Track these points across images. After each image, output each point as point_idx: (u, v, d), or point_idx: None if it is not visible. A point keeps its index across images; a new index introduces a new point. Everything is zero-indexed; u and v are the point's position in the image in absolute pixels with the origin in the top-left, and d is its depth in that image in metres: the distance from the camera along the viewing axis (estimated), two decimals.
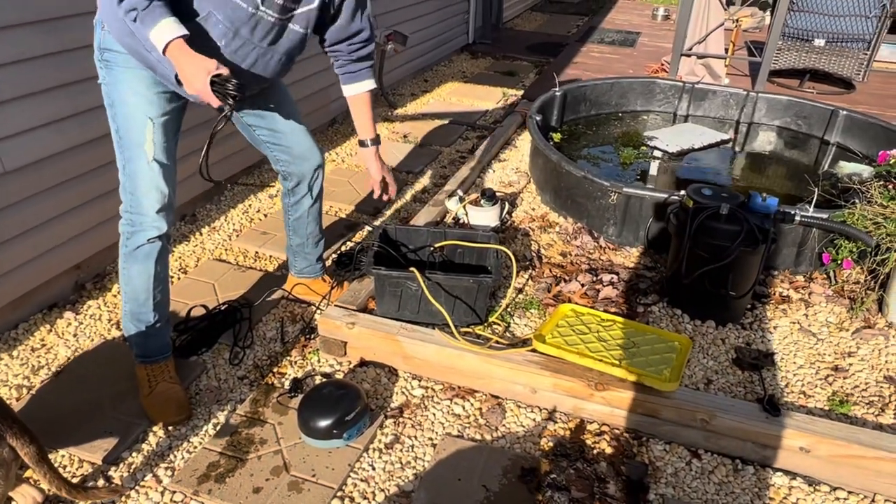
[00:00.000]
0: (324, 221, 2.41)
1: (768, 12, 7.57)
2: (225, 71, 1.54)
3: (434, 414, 1.97)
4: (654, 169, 3.44)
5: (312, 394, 1.89)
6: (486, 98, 5.15)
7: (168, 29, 1.49)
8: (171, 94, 1.75)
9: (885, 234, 2.30)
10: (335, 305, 2.22)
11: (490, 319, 2.29)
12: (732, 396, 2.01)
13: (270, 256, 2.80)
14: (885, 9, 4.85)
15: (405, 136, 4.23)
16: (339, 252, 2.84)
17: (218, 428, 1.90)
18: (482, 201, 2.84)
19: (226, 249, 2.85)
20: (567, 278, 2.55)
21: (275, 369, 2.15)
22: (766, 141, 3.94)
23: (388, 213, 3.25)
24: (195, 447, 1.84)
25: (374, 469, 1.78)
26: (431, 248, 2.40)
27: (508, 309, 2.37)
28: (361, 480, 1.74)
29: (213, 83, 1.53)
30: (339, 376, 2.12)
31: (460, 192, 3.05)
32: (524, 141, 4.01)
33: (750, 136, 4.01)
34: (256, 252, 2.83)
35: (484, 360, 1.99)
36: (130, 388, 1.99)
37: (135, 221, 1.79)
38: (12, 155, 2.14)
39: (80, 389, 2.01)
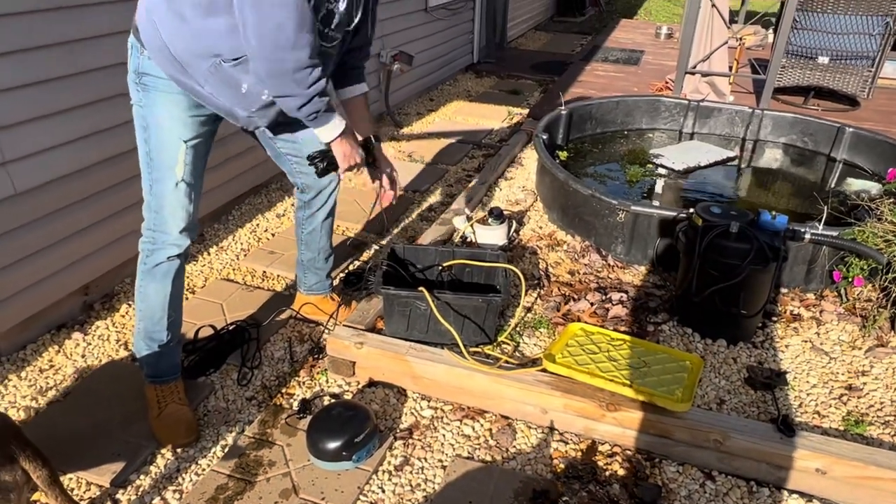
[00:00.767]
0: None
1: (771, 30, 7.62)
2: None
3: (444, 435, 1.95)
4: (660, 187, 3.44)
5: (321, 415, 1.87)
6: (492, 117, 5.18)
7: (339, 124, 1.73)
8: (206, 117, 1.76)
9: None
10: (343, 325, 2.21)
11: (499, 339, 2.28)
12: (746, 416, 1.98)
13: (278, 276, 2.80)
14: (889, 27, 4.87)
15: (411, 155, 4.25)
16: (346, 271, 2.84)
17: (226, 450, 1.88)
18: (490, 220, 2.84)
19: (234, 269, 2.85)
20: (576, 297, 2.54)
21: (283, 390, 2.14)
22: (772, 158, 3.94)
23: (395, 231, 3.25)
24: (203, 469, 1.82)
25: (383, 492, 1.76)
26: (440, 268, 2.40)
27: (517, 328, 2.36)
28: (371, 503, 1.72)
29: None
30: (348, 397, 2.11)
31: (467, 211, 3.06)
32: (530, 159, 4.02)
33: (756, 153, 4.01)
34: (264, 271, 2.83)
35: (494, 380, 1.98)
36: (138, 409, 1.98)
37: (157, 239, 1.80)
38: (24, 176, 2.15)
39: (88, 411, 2.00)
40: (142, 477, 1.79)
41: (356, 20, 1.70)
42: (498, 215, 2.83)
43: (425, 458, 1.87)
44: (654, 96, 4.26)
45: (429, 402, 2.08)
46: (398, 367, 2.09)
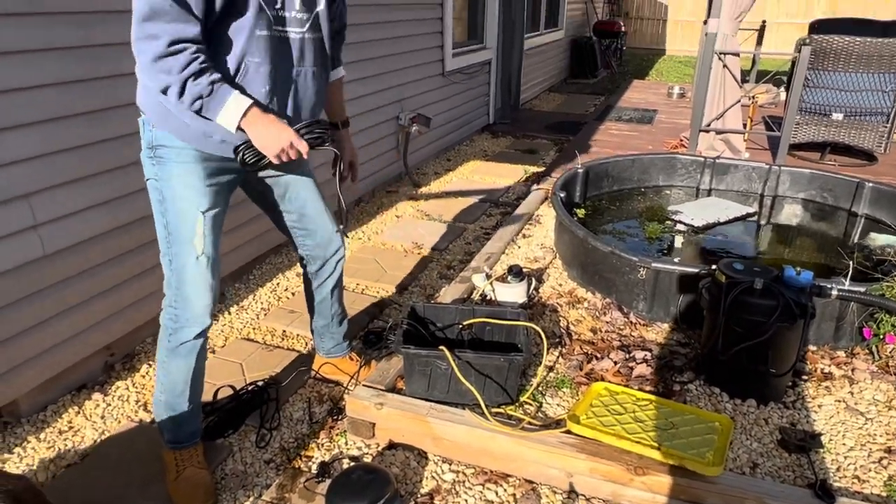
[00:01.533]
0: (350, 299, 2.42)
1: (783, 88, 7.72)
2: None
3: (466, 500, 1.89)
4: (679, 243, 3.42)
5: (340, 479, 1.83)
6: (508, 175, 5.25)
7: (236, 104, 1.54)
8: (221, 185, 1.78)
9: None
10: (363, 385, 2.19)
11: (521, 399, 2.23)
12: (781, 481, 1.90)
13: (298, 335, 2.80)
14: None
15: (429, 215, 4.30)
16: (366, 330, 2.83)
17: None
18: (509, 278, 2.84)
19: (254, 328, 2.85)
20: (598, 356, 2.50)
21: (302, 452, 2.10)
22: (792, 213, 3.92)
23: (415, 290, 3.25)
24: None
25: None
26: (460, 326, 2.38)
27: (540, 388, 2.31)
28: None
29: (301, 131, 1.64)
30: (368, 459, 2.06)
31: (486, 269, 3.06)
32: (548, 217, 4.04)
33: (775, 208, 4.00)
34: (284, 331, 2.83)
35: (517, 442, 1.93)
36: (157, 471, 1.95)
37: (180, 317, 1.79)
38: (53, 238, 2.21)
39: (107, 473, 1.98)
40: None
41: (320, 3, 1.69)
42: (517, 273, 2.83)
43: None
44: (670, 153, 4.30)
45: (450, 465, 2.03)
46: (418, 429, 2.05)
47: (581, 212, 3.67)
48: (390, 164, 4.81)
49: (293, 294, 3.17)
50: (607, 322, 2.76)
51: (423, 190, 4.85)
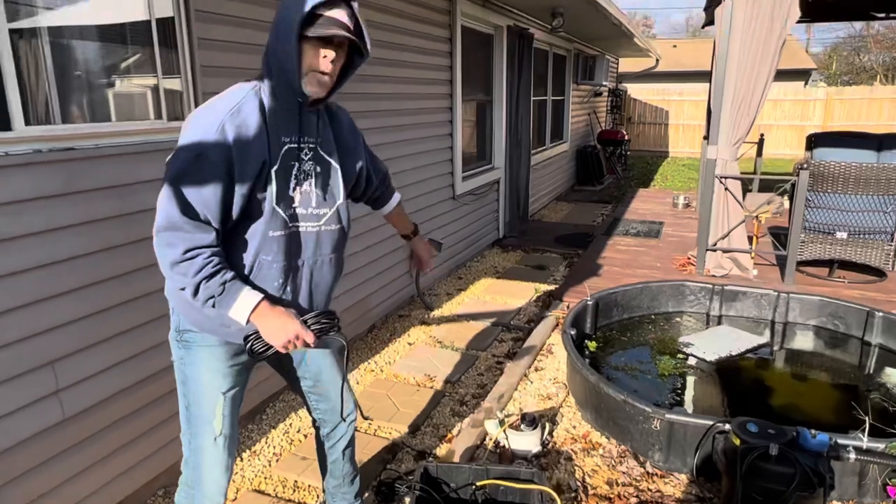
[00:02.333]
0: (362, 442, 2.41)
1: (786, 197, 7.90)
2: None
3: None
4: (692, 382, 3.41)
5: None
6: (519, 295, 5.32)
7: (246, 300, 1.61)
8: (242, 364, 1.84)
9: None
10: None
11: None
12: None
13: (310, 486, 2.76)
14: None
15: (441, 342, 4.33)
16: (378, 480, 2.79)
17: None
18: (522, 426, 2.82)
19: (265, 477, 2.83)
20: None
21: None
22: (804, 343, 3.92)
23: (427, 430, 3.23)
24: None
25: None
26: (474, 487, 2.35)
27: None
28: None
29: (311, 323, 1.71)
30: None
31: (499, 414, 3.05)
32: (560, 347, 4.06)
33: (787, 337, 4.00)
34: (296, 481, 2.80)
35: None
36: None
37: (195, 498, 1.81)
38: (73, 402, 2.25)
39: None
40: None
41: (339, 198, 1.81)
42: (531, 421, 2.82)
43: None
44: (679, 281, 4.36)
45: None
46: None
47: (592, 345, 3.69)
48: (403, 288, 4.90)
49: (305, 436, 3.15)
50: (623, 472, 2.71)
51: (436, 313, 4.91)
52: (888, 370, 3.33)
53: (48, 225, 2.13)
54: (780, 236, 6.38)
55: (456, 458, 2.80)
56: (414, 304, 5.07)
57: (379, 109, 4.29)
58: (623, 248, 6.39)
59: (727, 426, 2.33)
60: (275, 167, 1.65)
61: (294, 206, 1.72)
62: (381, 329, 4.57)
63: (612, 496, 2.57)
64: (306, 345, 1.72)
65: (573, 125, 10.68)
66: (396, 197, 2.24)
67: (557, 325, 4.28)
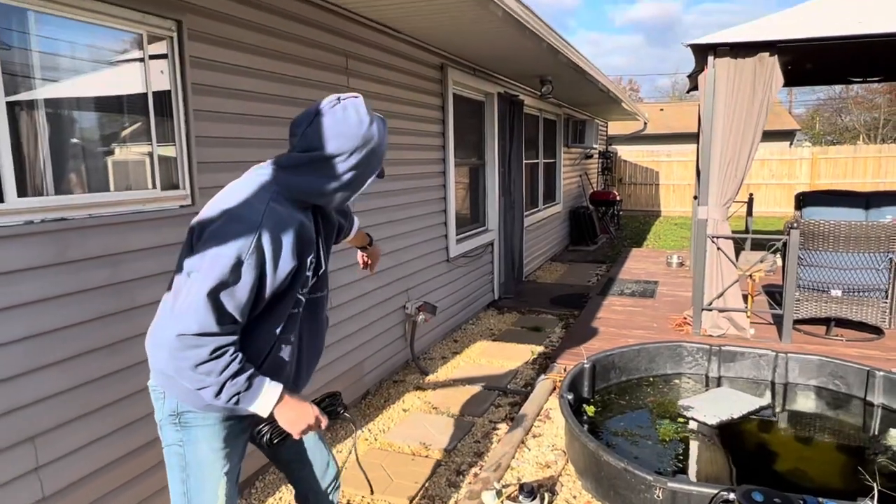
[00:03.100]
0: None
1: (778, 255, 7.95)
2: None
3: None
4: (695, 447, 3.32)
5: None
6: (515, 357, 5.25)
7: (270, 393, 1.59)
8: (242, 437, 1.79)
9: None
10: None
11: None
12: None
13: None
14: (893, 262, 5.06)
15: (437, 408, 4.24)
16: None
17: None
18: (520, 497, 2.73)
19: None
20: None
21: None
22: (806, 404, 3.85)
23: (422, 502, 3.11)
24: None
25: None
26: None
27: None
28: None
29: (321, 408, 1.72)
30: None
31: (497, 485, 2.95)
32: (557, 411, 3.97)
33: (788, 398, 3.93)
34: None
35: None
36: None
37: None
38: (54, 479, 2.17)
39: None
40: None
41: (324, 265, 1.82)
42: (529, 492, 2.73)
43: None
44: (676, 342, 4.32)
45: None
46: None
47: (591, 409, 3.62)
48: (398, 352, 4.84)
49: None
50: None
51: (431, 378, 4.83)
52: (893, 432, 3.26)
53: (38, 295, 2.11)
54: (775, 294, 6.38)
55: None
56: (409, 368, 4.99)
57: None
58: (619, 308, 6.36)
59: (732, 495, 2.25)
60: (311, 266, 1.69)
61: (304, 290, 1.74)
62: (375, 395, 4.48)
63: None
64: (319, 427, 1.70)
65: (565, 187, 10.85)
66: (357, 223, 2.25)
67: (555, 388, 4.21)
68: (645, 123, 13.74)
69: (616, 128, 16.71)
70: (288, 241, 1.57)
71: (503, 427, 3.85)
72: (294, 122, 1.63)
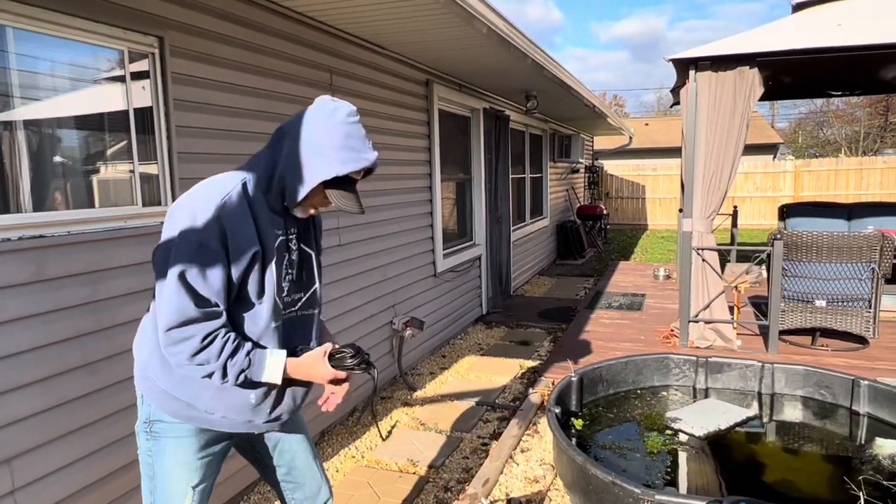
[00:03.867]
0: None
1: (763, 267, 8.02)
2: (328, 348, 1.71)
3: None
4: (683, 459, 3.31)
5: None
6: (503, 372, 5.23)
7: (275, 360, 1.63)
8: (213, 455, 1.77)
9: None
10: None
11: None
12: None
13: None
14: (875, 272, 5.12)
15: (425, 424, 4.20)
16: None
17: None
18: None
19: None
20: None
21: None
22: (792, 414, 3.86)
23: None
24: None
25: None
26: None
27: None
28: None
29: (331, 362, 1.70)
30: None
31: (485, 501, 2.92)
32: (545, 426, 3.95)
33: (775, 408, 3.94)
34: None
35: None
36: None
37: None
38: (31, 501, 2.12)
39: None
40: None
41: (315, 282, 1.84)
42: None
43: None
44: (663, 354, 4.32)
45: None
46: None
47: (579, 423, 3.60)
48: (385, 368, 4.81)
49: None
50: None
51: (419, 394, 4.80)
52: (878, 441, 3.27)
53: (15, 314, 2.08)
54: (760, 306, 6.43)
55: None
56: (396, 384, 4.96)
57: (360, 190, 4.35)
58: (606, 321, 6.37)
59: (721, 501, 2.24)
60: (273, 259, 1.67)
61: (283, 295, 1.73)
62: (362, 412, 4.44)
63: None
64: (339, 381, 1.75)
65: (552, 201, 10.90)
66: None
67: (543, 402, 4.19)
68: (630, 138, 13.87)
69: (602, 142, 16.86)
70: (248, 228, 1.60)
71: (492, 443, 3.83)
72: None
